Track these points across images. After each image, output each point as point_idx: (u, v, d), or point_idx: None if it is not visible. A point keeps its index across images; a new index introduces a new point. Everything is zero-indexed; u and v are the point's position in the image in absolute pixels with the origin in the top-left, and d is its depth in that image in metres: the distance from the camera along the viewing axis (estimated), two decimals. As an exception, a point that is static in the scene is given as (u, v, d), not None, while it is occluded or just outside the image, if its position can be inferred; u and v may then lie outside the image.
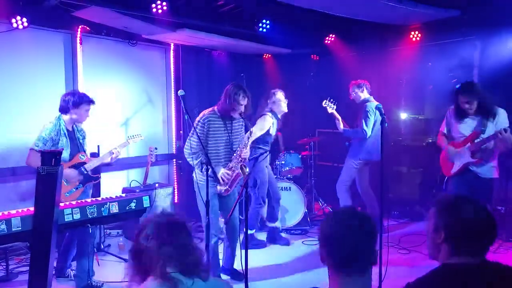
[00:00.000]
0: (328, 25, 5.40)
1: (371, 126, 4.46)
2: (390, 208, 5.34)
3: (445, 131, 3.62)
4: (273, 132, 4.25)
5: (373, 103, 4.52)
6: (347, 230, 1.34)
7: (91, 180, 3.48)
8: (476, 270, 1.43)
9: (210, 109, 3.35)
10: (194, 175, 3.39)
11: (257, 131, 4.01)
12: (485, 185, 3.40)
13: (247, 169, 3.21)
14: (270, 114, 4.18)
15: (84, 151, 3.51)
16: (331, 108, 4.49)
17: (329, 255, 1.37)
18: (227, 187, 3.29)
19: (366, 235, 1.36)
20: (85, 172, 3.41)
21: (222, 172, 3.25)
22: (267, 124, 4.09)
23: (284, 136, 5.85)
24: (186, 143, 3.31)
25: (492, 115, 3.33)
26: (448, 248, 1.46)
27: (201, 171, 3.16)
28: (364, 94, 4.57)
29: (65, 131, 3.33)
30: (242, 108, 3.26)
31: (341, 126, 4.52)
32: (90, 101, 3.41)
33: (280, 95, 4.28)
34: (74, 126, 3.44)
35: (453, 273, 1.42)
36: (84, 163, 3.43)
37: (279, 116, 4.30)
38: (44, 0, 3.97)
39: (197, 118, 3.32)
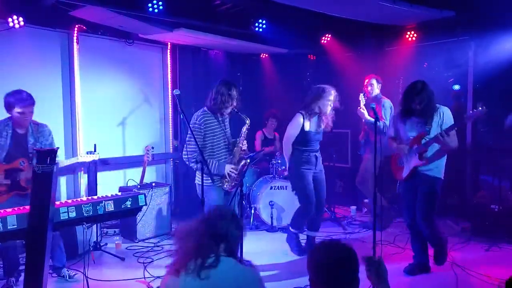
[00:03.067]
0: (325, 25, 5.43)
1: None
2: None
3: (392, 135, 3.58)
4: (313, 130, 3.90)
5: (388, 101, 4.57)
6: (332, 260, 1.52)
7: (19, 189, 3.15)
8: None
9: (201, 110, 3.35)
10: (197, 179, 3.33)
11: (288, 130, 3.91)
12: (426, 183, 3.34)
13: (248, 160, 3.27)
14: (303, 113, 3.87)
15: (28, 158, 3.16)
16: (362, 101, 4.50)
17: (318, 281, 1.54)
18: (235, 182, 3.30)
19: (351, 268, 1.53)
20: (17, 179, 3.14)
21: (228, 168, 3.27)
22: (294, 124, 3.88)
23: (282, 136, 5.86)
24: (184, 148, 3.28)
25: (437, 114, 3.27)
26: None
27: (205, 173, 3.18)
28: (379, 90, 4.69)
29: (10, 132, 3.13)
30: (235, 103, 3.32)
31: (366, 116, 4.42)
32: (22, 103, 3.05)
33: (332, 94, 3.84)
34: (31, 127, 3.20)
35: None
36: (21, 170, 3.15)
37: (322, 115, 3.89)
38: (40, -1, 3.99)
39: (192, 121, 3.31)
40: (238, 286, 1.69)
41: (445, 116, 3.28)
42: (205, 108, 3.36)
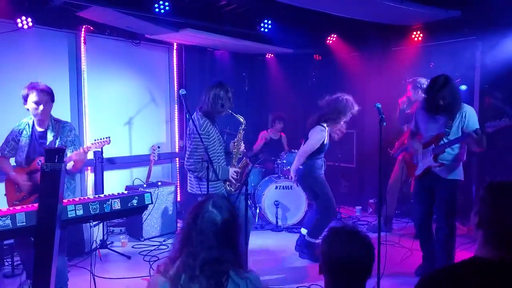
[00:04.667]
0: (330, 25, 5.43)
1: None
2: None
3: (413, 129, 3.48)
4: (328, 141, 3.88)
5: None
6: (348, 255, 1.40)
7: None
8: (503, 268, 1.26)
9: (200, 114, 3.16)
10: (194, 189, 3.21)
11: (313, 143, 3.76)
12: (446, 187, 3.23)
13: (248, 160, 3.26)
14: (324, 126, 3.81)
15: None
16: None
17: (330, 275, 1.45)
18: (238, 184, 3.28)
19: (366, 257, 1.42)
20: (37, 180, 2.94)
21: (231, 172, 3.22)
22: (318, 139, 3.78)
23: (288, 136, 5.89)
24: (189, 159, 3.10)
25: (459, 114, 3.12)
26: (482, 236, 1.33)
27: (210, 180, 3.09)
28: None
29: (29, 131, 3.02)
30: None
31: None
32: (35, 89, 2.91)
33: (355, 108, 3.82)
34: (51, 124, 3.03)
35: (478, 268, 1.28)
36: (39, 170, 2.85)
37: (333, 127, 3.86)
38: (48, 0, 4.03)
39: (199, 127, 3.08)
40: None
41: (467, 117, 3.10)
42: (201, 113, 3.15)
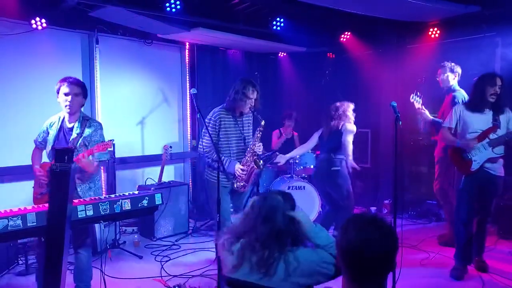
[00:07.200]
0: (344, 23, 5.33)
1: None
2: (408, 208, 5.24)
3: (451, 126, 3.43)
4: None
5: (462, 93, 4.02)
6: (366, 246, 1.28)
7: None
8: None
9: (220, 106, 3.38)
10: (206, 174, 3.42)
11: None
12: (496, 182, 3.38)
13: (261, 162, 3.22)
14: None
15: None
16: (418, 103, 4.10)
17: (345, 266, 1.34)
18: (244, 182, 3.29)
19: (382, 246, 1.29)
20: None
21: (236, 167, 3.25)
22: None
23: (300, 136, 5.81)
24: (200, 142, 3.34)
25: (502, 110, 3.30)
26: None
27: (214, 169, 3.20)
28: (454, 81, 4.13)
29: (58, 125, 2.99)
30: (252, 102, 3.27)
31: (429, 116, 4.09)
32: (66, 81, 2.92)
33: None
34: (78, 121, 2.96)
35: None
36: None
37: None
38: (62, 1, 4.06)
39: (208, 116, 3.34)
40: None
41: (510, 113, 3.32)
42: (224, 105, 3.36)
